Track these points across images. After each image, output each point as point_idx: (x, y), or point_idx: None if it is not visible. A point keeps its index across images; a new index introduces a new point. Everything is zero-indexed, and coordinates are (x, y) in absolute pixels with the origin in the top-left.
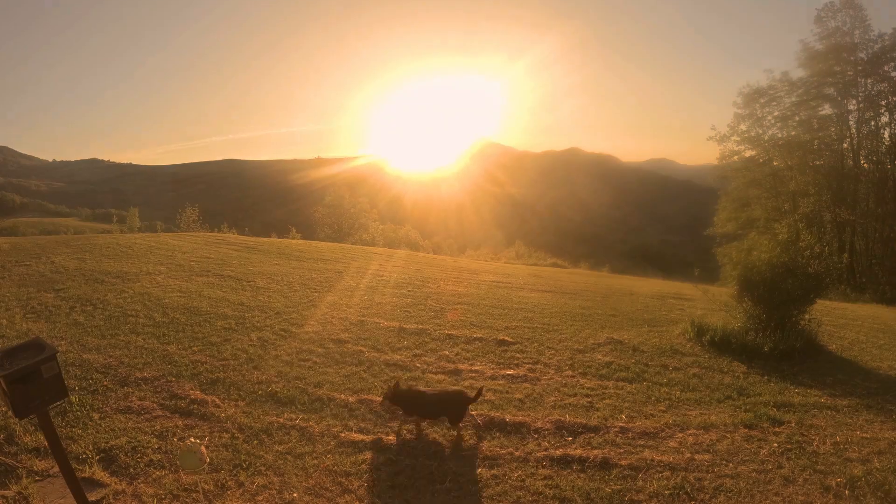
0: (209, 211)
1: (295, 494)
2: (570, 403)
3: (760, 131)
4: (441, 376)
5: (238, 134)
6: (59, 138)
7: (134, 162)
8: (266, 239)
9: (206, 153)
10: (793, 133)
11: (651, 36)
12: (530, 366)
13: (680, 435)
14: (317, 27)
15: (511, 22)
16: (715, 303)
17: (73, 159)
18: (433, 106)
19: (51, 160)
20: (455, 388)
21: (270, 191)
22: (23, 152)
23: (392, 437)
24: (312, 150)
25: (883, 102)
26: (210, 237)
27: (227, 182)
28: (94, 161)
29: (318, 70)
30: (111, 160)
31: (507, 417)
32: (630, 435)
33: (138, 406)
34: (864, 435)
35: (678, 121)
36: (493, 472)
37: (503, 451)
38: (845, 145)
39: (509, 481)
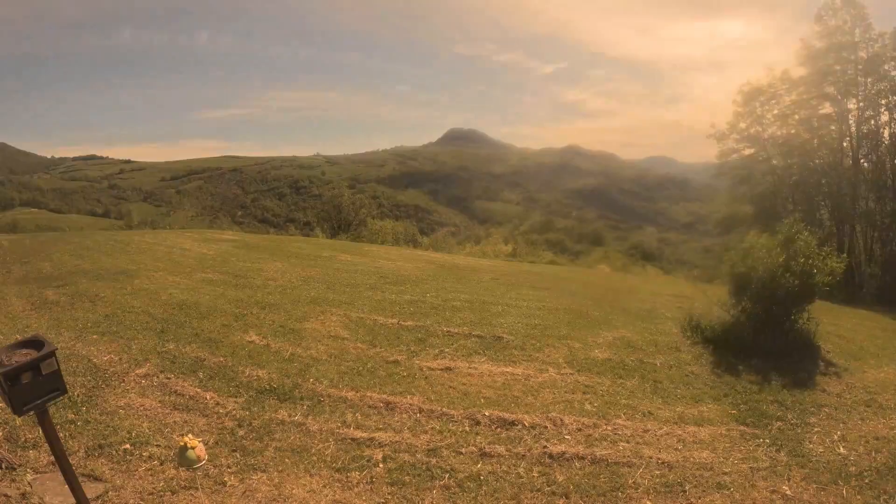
0: (208, 207)
1: (294, 490)
2: (567, 400)
3: (760, 129)
4: (439, 373)
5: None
6: (58, 135)
7: (133, 158)
8: (265, 235)
9: (204, 150)
10: (792, 131)
11: None
12: (528, 362)
13: (676, 431)
14: None
15: None
16: (713, 301)
17: (72, 156)
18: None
19: (50, 157)
20: None
21: (269, 187)
22: (22, 149)
23: (390, 434)
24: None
25: (883, 101)
26: (209, 234)
27: (225, 179)
28: (93, 158)
29: None
30: (110, 157)
31: (506, 414)
32: (627, 431)
33: (137, 402)
34: (860, 433)
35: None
36: (490, 467)
37: (501, 448)
38: (845, 144)
39: (507, 477)
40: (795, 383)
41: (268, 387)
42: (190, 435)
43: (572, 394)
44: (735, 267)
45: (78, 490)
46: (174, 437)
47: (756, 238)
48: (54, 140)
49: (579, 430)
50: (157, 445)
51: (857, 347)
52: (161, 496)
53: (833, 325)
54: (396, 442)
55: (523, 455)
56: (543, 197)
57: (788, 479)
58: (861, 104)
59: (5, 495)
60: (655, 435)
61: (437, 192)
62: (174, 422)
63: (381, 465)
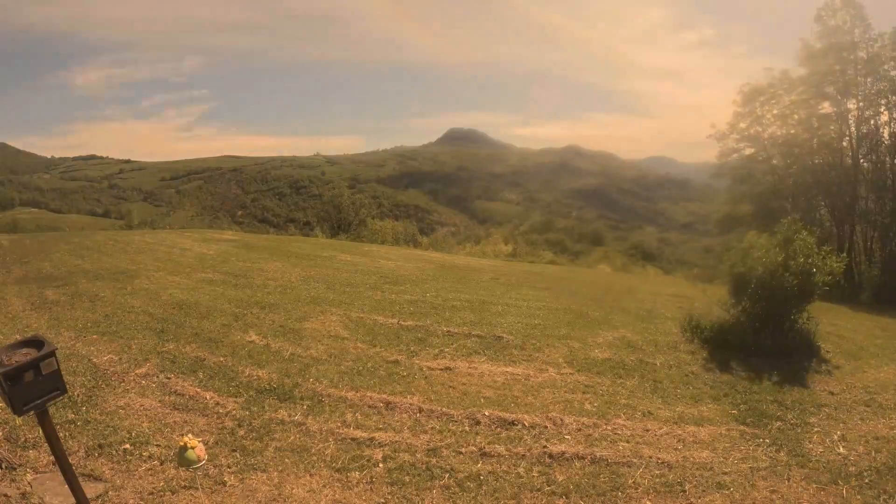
0: (208, 207)
1: (294, 490)
2: (567, 399)
3: (760, 129)
4: (439, 373)
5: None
6: (58, 135)
7: (133, 158)
8: (264, 235)
9: (206, 149)
10: (792, 131)
11: None
12: (528, 362)
13: (676, 431)
14: None
15: None
16: (713, 301)
17: (71, 156)
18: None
19: (49, 157)
20: None
21: (269, 187)
22: (22, 149)
23: (390, 433)
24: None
25: (882, 101)
26: (208, 234)
27: (225, 179)
28: (92, 158)
29: None
30: (110, 157)
31: (506, 414)
32: (627, 431)
33: (137, 402)
34: (860, 433)
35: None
36: (490, 467)
37: (501, 447)
38: (845, 144)
39: (507, 477)
40: (795, 383)
41: (268, 387)
42: (190, 435)
43: (572, 394)
44: (735, 267)
45: (78, 490)
46: (174, 437)
47: (756, 238)
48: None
49: (579, 429)
50: (157, 445)
51: (856, 347)
52: (161, 496)
53: (833, 325)
54: (396, 442)
55: (523, 455)
56: (543, 197)
57: (788, 479)
58: (861, 104)
59: (5, 495)
60: (655, 435)
61: (437, 192)
62: (174, 422)
63: (380, 465)
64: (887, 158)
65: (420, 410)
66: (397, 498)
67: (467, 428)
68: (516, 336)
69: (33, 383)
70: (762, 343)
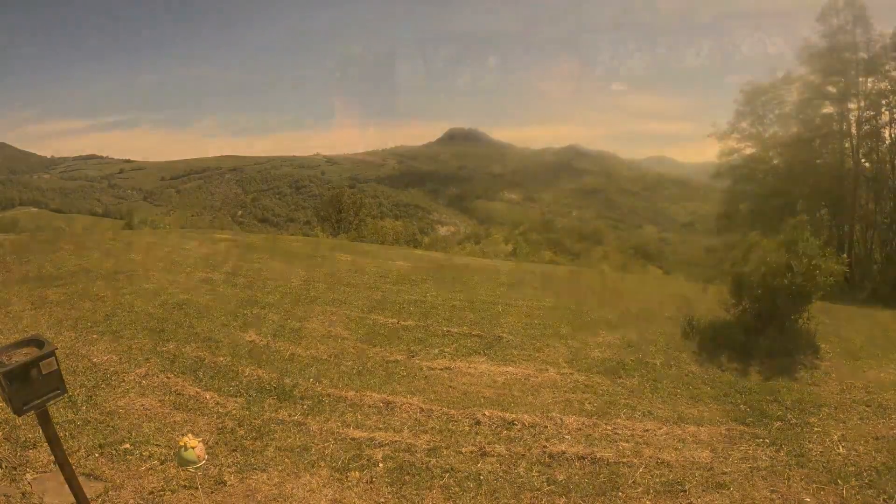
0: (208, 207)
1: (294, 490)
2: (567, 399)
3: (761, 129)
4: (439, 373)
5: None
6: (58, 135)
7: (133, 158)
8: (265, 235)
9: (204, 149)
10: (794, 130)
11: None
12: (528, 362)
13: (676, 431)
14: None
15: None
16: (713, 301)
17: (71, 156)
18: None
19: (50, 157)
20: None
21: (269, 187)
22: (22, 149)
23: (390, 433)
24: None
25: (884, 102)
26: (209, 234)
27: (225, 178)
28: (93, 157)
29: None
30: (110, 156)
31: (505, 413)
32: (627, 431)
33: (137, 402)
34: (860, 433)
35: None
36: (490, 467)
37: (501, 447)
38: (846, 144)
39: (507, 477)
40: (795, 383)
41: (268, 387)
42: (190, 435)
43: (572, 393)
44: (736, 266)
45: (78, 490)
46: (174, 436)
47: (758, 238)
48: None
49: (579, 429)
50: (157, 445)
51: (857, 347)
52: (161, 495)
53: (833, 325)
54: (396, 442)
55: (523, 454)
56: (543, 197)
57: (788, 479)
58: (862, 104)
59: (5, 495)
60: (655, 435)
61: (438, 192)
62: (174, 422)
63: (381, 465)
64: (888, 159)
65: (420, 410)
66: (397, 498)
67: (467, 428)
68: (516, 336)
69: (33, 383)
70: (763, 343)
